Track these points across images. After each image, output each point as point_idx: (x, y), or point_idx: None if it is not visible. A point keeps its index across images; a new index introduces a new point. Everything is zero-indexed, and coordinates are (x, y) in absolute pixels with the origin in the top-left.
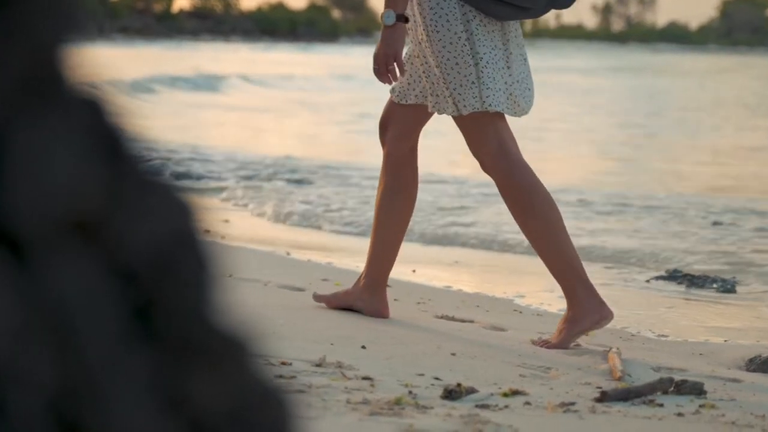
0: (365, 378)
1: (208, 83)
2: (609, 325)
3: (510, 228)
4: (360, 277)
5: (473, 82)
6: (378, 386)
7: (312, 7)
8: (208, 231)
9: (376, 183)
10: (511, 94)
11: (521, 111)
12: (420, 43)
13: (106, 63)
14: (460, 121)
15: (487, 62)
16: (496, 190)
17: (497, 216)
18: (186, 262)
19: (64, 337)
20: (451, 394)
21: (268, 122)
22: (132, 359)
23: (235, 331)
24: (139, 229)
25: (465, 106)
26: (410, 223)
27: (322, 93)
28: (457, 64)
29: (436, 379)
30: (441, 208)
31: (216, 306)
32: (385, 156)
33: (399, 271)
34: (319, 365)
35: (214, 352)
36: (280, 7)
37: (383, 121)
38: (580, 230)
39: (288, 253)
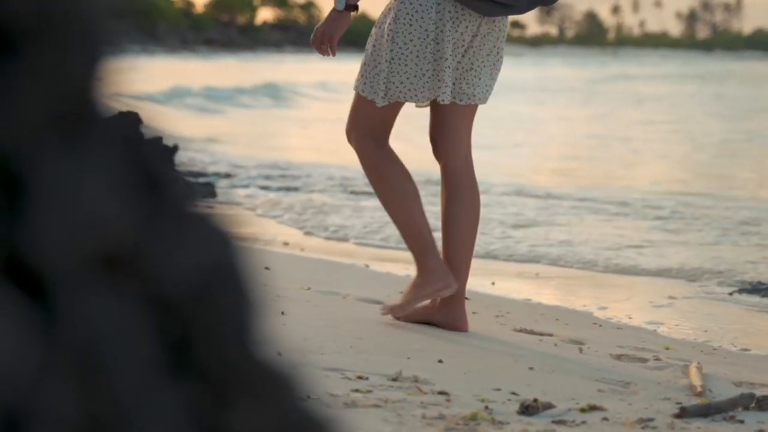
0: (441, 392)
1: (288, 94)
2: (690, 339)
3: (593, 243)
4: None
5: (426, 74)
6: (454, 401)
7: None
8: (253, 259)
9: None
10: (457, 82)
11: (467, 99)
12: (380, 26)
13: (191, 74)
14: (356, 97)
15: (447, 58)
16: (579, 203)
17: (580, 230)
18: (225, 294)
19: (91, 373)
20: (528, 409)
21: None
22: (167, 394)
23: (278, 364)
24: (177, 262)
25: (371, 90)
26: (491, 236)
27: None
28: (417, 57)
29: (513, 393)
30: (523, 221)
31: (258, 338)
32: (441, 168)
33: (478, 284)
34: (395, 379)
35: (254, 385)
36: (363, 18)
37: (432, 135)
38: (666, 242)
39: (367, 266)
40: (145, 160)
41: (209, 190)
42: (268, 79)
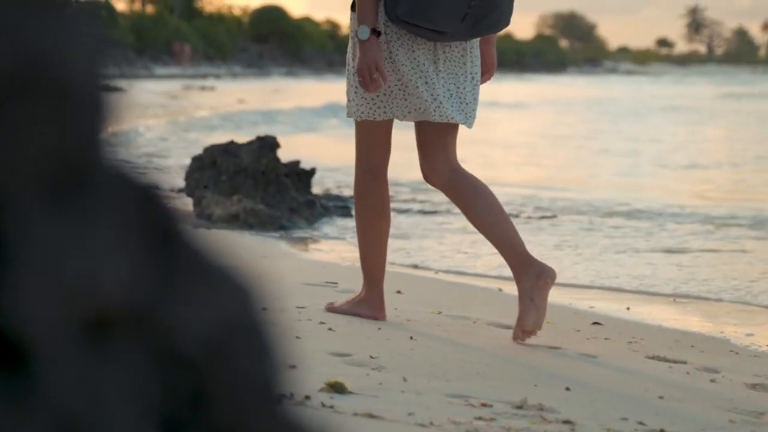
0: (566, 422)
1: None
2: None
3: (737, 269)
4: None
5: (391, 92)
6: (578, 430)
7: (539, 37)
8: (268, 311)
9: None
10: (434, 100)
11: (440, 113)
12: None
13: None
14: (355, 125)
15: (405, 74)
16: (711, 229)
17: (718, 259)
18: (241, 350)
19: None
20: None
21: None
22: None
23: (299, 422)
24: (189, 317)
25: (362, 113)
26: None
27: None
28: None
29: (640, 423)
30: (670, 246)
31: (276, 395)
32: (440, 189)
33: (612, 309)
34: (520, 407)
35: None
36: (507, 38)
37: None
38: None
39: (500, 289)
40: (157, 215)
41: (345, 212)
42: None
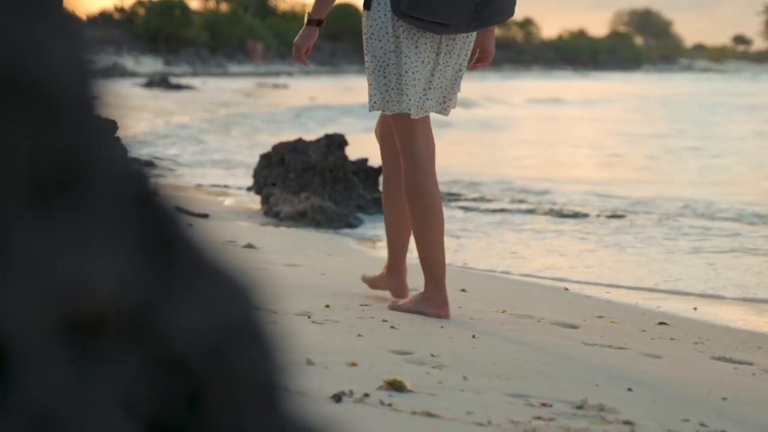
0: (626, 422)
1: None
2: None
3: None
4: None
5: (394, 88)
6: (638, 431)
7: (614, 35)
8: (270, 312)
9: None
10: (426, 98)
11: (419, 112)
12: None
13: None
14: (389, 119)
15: (407, 71)
16: None
17: None
18: (240, 353)
19: None
20: None
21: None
22: None
23: (300, 423)
24: (186, 320)
25: (388, 107)
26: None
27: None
28: (387, 72)
29: (702, 425)
30: (738, 247)
31: (277, 397)
32: (382, 154)
33: (679, 309)
34: (580, 407)
35: None
36: (581, 35)
37: (377, 125)
38: None
39: (566, 288)
40: (155, 216)
41: None
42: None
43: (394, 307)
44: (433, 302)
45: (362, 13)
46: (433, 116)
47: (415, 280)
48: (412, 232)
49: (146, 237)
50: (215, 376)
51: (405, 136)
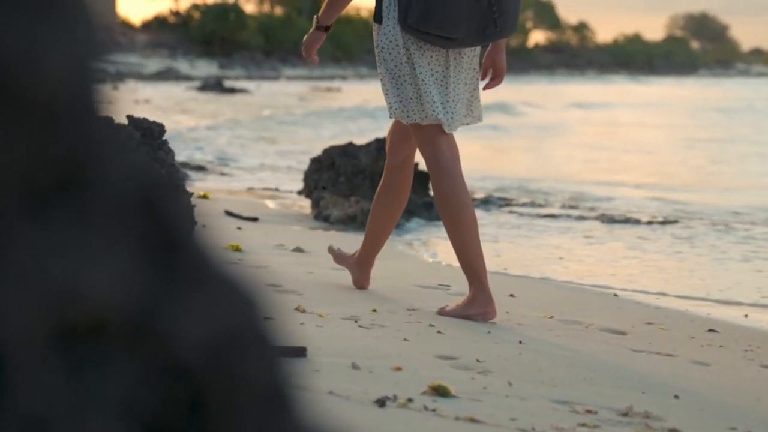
0: (671, 430)
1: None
2: None
3: None
4: (355, 252)
5: (412, 98)
6: None
7: (670, 39)
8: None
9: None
10: (445, 110)
11: (451, 125)
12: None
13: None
14: (410, 128)
15: (423, 81)
16: None
17: None
18: (243, 360)
19: None
20: None
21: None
22: None
23: (308, 428)
24: (189, 327)
25: (409, 116)
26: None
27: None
28: (401, 82)
29: None
30: None
31: (281, 405)
32: (386, 163)
33: (729, 315)
34: (625, 414)
35: None
36: (636, 39)
37: (388, 135)
38: None
39: (615, 294)
40: (159, 221)
41: None
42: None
43: (441, 313)
44: (478, 302)
45: (373, 26)
46: (481, 124)
47: (460, 284)
48: (450, 241)
49: (149, 241)
50: (217, 382)
51: (427, 144)
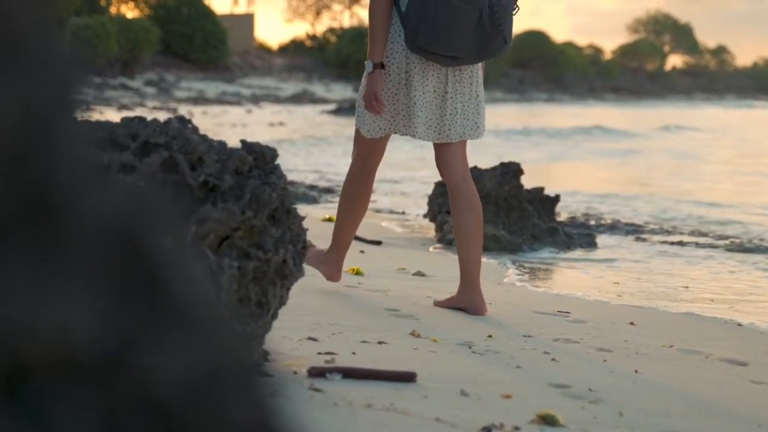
0: None
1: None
2: None
3: None
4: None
5: (405, 116)
6: None
7: None
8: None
9: None
10: (441, 124)
11: (447, 138)
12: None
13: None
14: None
15: (415, 103)
16: None
17: None
18: (224, 399)
19: None
20: None
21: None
22: None
23: None
24: (169, 364)
25: (367, 131)
26: None
27: None
28: (396, 100)
29: None
30: None
31: None
32: (447, 184)
33: None
34: None
35: None
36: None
37: (436, 161)
38: None
39: (739, 324)
40: (140, 256)
41: (589, 241)
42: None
43: (437, 304)
44: (468, 299)
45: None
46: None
47: (588, 314)
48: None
49: (124, 277)
50: (196, 420)
51: (362, 145)
